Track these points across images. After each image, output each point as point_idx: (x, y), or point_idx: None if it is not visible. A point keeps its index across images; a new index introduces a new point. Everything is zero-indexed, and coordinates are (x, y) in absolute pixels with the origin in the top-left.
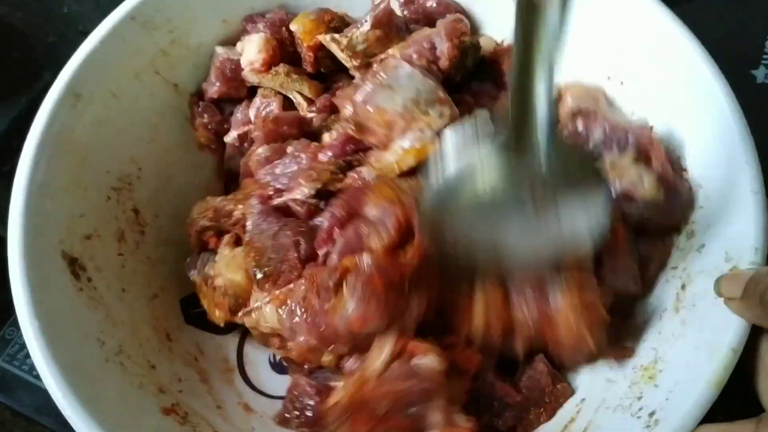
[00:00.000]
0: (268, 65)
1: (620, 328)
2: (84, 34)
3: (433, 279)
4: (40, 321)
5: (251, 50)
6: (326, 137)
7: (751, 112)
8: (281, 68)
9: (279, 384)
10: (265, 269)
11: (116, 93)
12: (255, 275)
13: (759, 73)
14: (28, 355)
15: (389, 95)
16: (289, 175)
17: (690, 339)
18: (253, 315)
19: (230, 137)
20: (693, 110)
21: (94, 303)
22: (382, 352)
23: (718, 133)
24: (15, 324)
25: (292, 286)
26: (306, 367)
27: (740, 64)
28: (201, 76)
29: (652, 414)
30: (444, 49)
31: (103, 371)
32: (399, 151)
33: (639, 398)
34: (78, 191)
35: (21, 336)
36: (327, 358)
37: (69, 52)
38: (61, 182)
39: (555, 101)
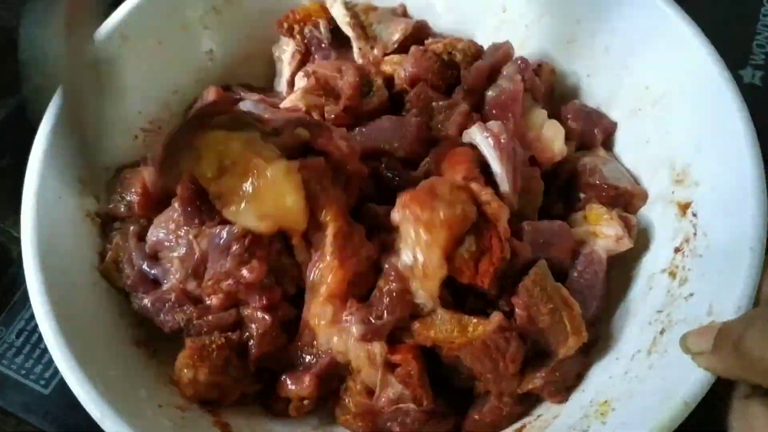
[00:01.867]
0: None
1: None
2: None
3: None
4: (38, 236)
5: None
6: None
7: None
8: None
9: None
10: None
11: (162, 40)
12: None
13: (746, 74)
14: (16, 354)
15: None
16: None
17: (650, 384)
18: None
19: None
20: (712, 153)
21: (97, 230)
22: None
23: (732, 182)
24: (3, 323)
25: None
26: None
27: (728, 65)
28: (240, 51)
29: None
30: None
31: (87, 294)
32: None
33: (585, 431)
34: (108, 126)
35: (10, 335)
36: None
37: None
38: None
39: None
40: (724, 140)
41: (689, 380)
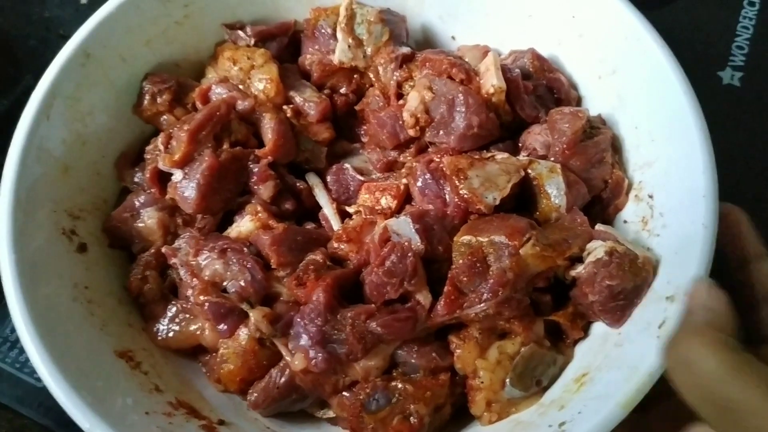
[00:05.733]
0: None
1: None
2: (64, 37)
3: None
4: (17, 255)
5: None
6: None
7: (715, 113)
8: None
9: None
10: None
11: (126, 57)
12: None
13: (725, 75)
14: (11, 348)
15: None
16: None
17: (617, 360)
18: None
19: None
20: (665, 134)
21: (74, 246)
22: None
23: (684, 163)
24: None
25: None
26: None
27: (707, 66)
28: (206, 62)
29: (561, 424)
30: None
31: (68, 309)
32: None
33: (561, 408)
34: (78, 143)
35: (4, 330)
36: None
37: (50, 55)
38: (61, 134)
39: None
40: (675, 124)
41: (651, 353)
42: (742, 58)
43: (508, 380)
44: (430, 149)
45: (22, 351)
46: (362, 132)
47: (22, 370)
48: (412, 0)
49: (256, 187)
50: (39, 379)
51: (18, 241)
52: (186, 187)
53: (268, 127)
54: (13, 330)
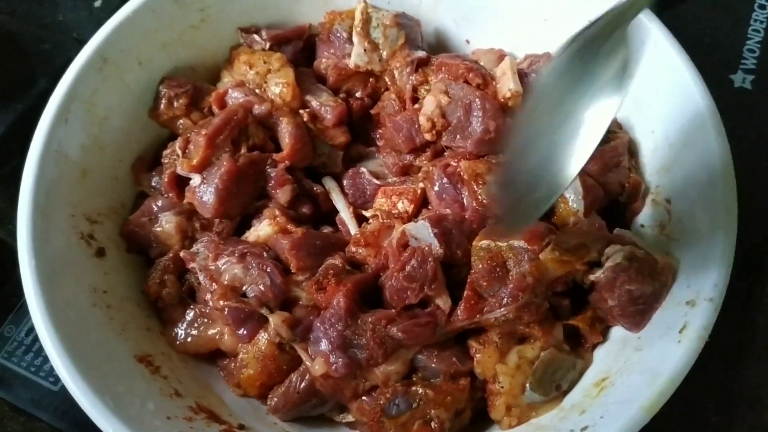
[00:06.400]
0: None
1: None
2: (78, 41)
3: None
4: (37, 261)
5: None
6: None
7: (727, 116)
8: None
9: None
10: None
11: (142, 61)
12: None
13: (737, 78)
14: (26, 352)
15: None
16: None
17: (638, 364)
18: None
19: None
20: (682, 139)
21: (92, 251)
22: None
23: (702, 167)
24: (13, 322)
25: None
26: None
27: (719, 69)
28: (221, 65)
29: (583, 429)
30: None
31: (88, 314)
32: None
33: (582, 412)
34: (95, 147)
35: (19, 333)
36: None
37: (64, 59)
38: (79, 138)
39: None
40: (692, 129)
41: (674, 358)
42: (754, 61)
43: (527, 385)
44: (446, 153)
45: (37, 354)
46: (378, 136)
47: (38, 374)
48: (426, 4)
49: (273, 191)
50: (54, 383)
51: (37, 245)
52: (204, 192)
53: (285, 131)
54: (28, 333)
